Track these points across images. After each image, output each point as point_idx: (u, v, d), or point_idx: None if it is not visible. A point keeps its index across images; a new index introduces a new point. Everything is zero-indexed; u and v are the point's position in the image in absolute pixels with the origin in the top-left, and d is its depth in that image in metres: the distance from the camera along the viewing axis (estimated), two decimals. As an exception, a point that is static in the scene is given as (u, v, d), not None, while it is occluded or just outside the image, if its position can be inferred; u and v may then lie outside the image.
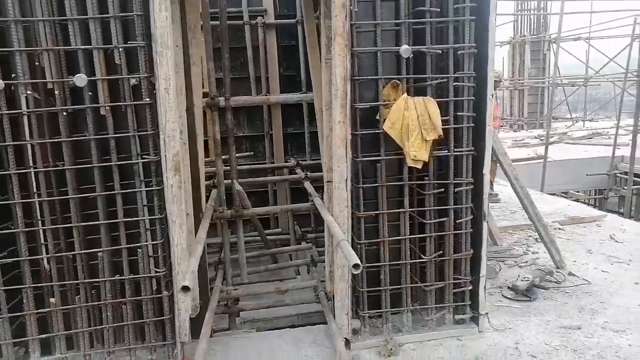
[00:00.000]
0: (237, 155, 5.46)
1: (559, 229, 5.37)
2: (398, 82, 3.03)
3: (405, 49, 2.85)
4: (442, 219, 3.10)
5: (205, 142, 5.29)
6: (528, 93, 18.92)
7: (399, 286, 3.16)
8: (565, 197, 11.17)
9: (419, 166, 2.90)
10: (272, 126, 5.41)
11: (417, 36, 3.00)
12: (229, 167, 5.03)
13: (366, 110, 3.01)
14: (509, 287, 3.80)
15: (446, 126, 2.98)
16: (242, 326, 3.66)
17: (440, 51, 2.92)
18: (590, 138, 14.39)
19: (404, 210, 3.07)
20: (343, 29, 2.72)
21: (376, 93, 3.00)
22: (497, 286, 3.92)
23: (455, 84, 2.95)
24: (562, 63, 19.80)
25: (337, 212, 2.92)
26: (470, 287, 3.19)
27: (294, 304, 3.67)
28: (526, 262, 4.41)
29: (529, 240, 4.99)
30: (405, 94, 2.91)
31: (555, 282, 3.91)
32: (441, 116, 2.93)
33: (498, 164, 4.89)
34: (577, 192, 11.89)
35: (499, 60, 20.26)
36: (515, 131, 18.38)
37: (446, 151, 3.03)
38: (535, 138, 14.96)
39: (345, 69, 2.76)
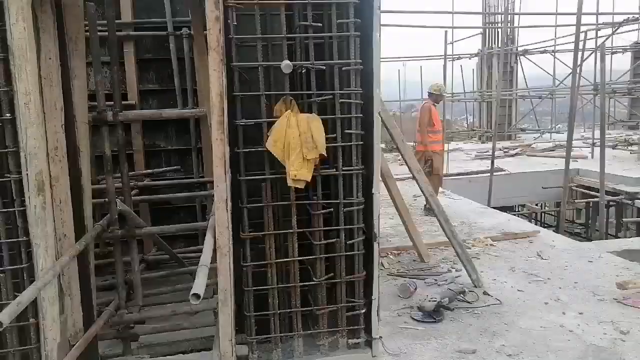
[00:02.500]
0: (165, 169, 5.35)
1: (491, 245, 5.33)
2: (291, 98, 2.93)
3: (285, 65, 2.75)
4: (332, 240, 2.99)
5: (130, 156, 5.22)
6: (497, 105, 19.10)
7: (289, 310, 3.04)
8: (522, 210, 11.26)
9: (301, 186, 2.80)
10: (201, 139, 5.28)
11: (312, 51, 2.91)
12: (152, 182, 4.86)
13: (255, 127, 2.91)
14: (418, 308, 3.70)
15: (334, 144, 2.89)
16: (139, 351, 3.49)
17: (323, 67, 2.84)
18: (553, 150, 14.55)
19: (291, 231, 2.96)
20: (217, 43, 2.60)
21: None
22: (408, 306, 3.83)
23: (341, 100, 2.87)
24: (529, 75, 20.17)
25: (218, 234, 2.79)
26: (364, 310, 3.08)
27: (193, 327, 3.51)
28: (446, 280, 4.32)
29: (456, 257, 4.90)
30: (288, 111, 2.81)
31: (468, 302, 3.83)
32: (329, 134, 2.85)
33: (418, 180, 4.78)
34: (536, 204, 11.98)
35: (469, 73, 20.56)
36: (484, 143, 18.53)
37: (334, 170, 2.94)
38: (500, 150, 15.08)
39: (221, 84, 2.65)
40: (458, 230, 6.00)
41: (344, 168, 2.93)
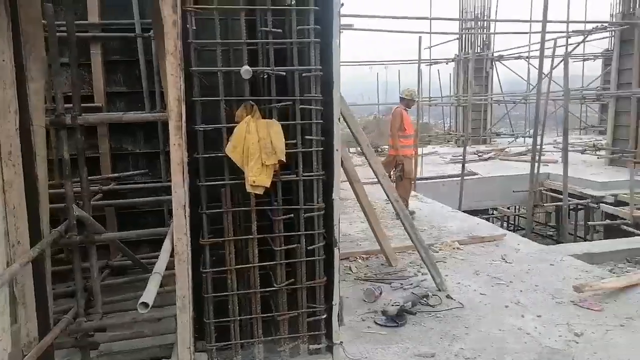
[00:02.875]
0: (132, 173, 5.27)
1: (458, 248, 5.40)
2: (252, 103, 2.93)
3: (245, 70, 2.75)
4: (292, 246, 3.00)
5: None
6: (472, 109, 19.44)
7: (249, 316, 3.03)
8: (495, 213, 11.44)
9: (260, 192, 2.80)
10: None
11: (272, 57, 2.92)
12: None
13: (216, 132, 2.90)
14: (382, 312, 3.73)
15: (294, 150, 2.90)
16: None
17: (283, 73, 2.85)
18: (525, 154, 14.84)
19: (251, 237, 2.95)
20: (175, 48, 2.59)
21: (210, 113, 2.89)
22: (373, 311, 3.85)
23: (301, 106, 2.88)
24: (506, 80, 20.59)
25: (176, 240, 2.77)
26: (325, 316, 3.09)
27: (155, 335, 3.48)
28: (412, 284, 4.37)
29: (421, 262, 4.96)
30: (248, 117, 2.81)
31: (431, 306, 3.88)
32: (289, 139, 2.86)
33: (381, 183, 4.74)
34: (508, 208, 12.21)
35: (447, 77, 20.87)
36: (460, 146, 18.80)
37: (294, 175, 2.95)
38: (474, 154, 15.33)
39: (178, 89, 2.63)
40: (427, 234, 6.09)
41: (304, 174, 2.94)
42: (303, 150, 2.91)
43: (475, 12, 18.37)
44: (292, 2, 2.81)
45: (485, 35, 19.15)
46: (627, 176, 7.97)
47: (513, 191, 10.64)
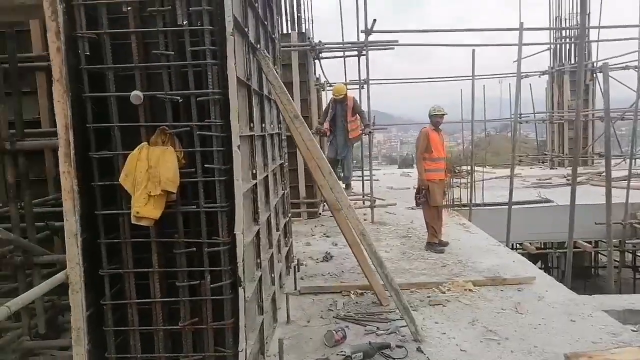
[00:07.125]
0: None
1: (470, 290, 4.68)
2: (166, 129, 2.79)
3: (134, 95, 2.62)
4: (194, 282, 2.76)
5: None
6: (568, 127, 17.44)
7: (151, 355, 2.83)
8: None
9: (146, 224, 2.61)
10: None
11: (182, 79, 2.76)
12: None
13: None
14: (329, 362, 3.30)
15: (193, 179, 2.69)
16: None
17: (179, 98, 2.66)
18: (624, 180, 12.80)
19: (151, 270, 2.77)
20: (61, 75, 2.55)
21: (127, 140, 2.77)
22: (325, 358, 3.43)
23: (199, 133, 2.66)
24: (614, 94, 18.11)
25: (69, 270, 2.69)
26: (233, 362, 2.79)
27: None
28: (388, 329, 3.84)
29: (417, 304, 4.36)
30: (143, 143, 2.67)
31: (392, 359, 3.35)
32: (188, 168, 2.66)
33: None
34: (589, 242, 10.56)
35: (542, 92, 19.03)
36: (552, 168, 16.93)
37: (194, 207, 2.72)
38: (563, 177, 13.62)
39: (66, 116, 2.58)
40: (447, 270, 5.42)
41: (205, 205, 2.71)
42: (201, 179, 2.68)
43: (567, 18, 16.55)
44: (185, 23, 2.62)
45: (586, 44, 17.15)
46: None
47: (595, 223, 9.18)
